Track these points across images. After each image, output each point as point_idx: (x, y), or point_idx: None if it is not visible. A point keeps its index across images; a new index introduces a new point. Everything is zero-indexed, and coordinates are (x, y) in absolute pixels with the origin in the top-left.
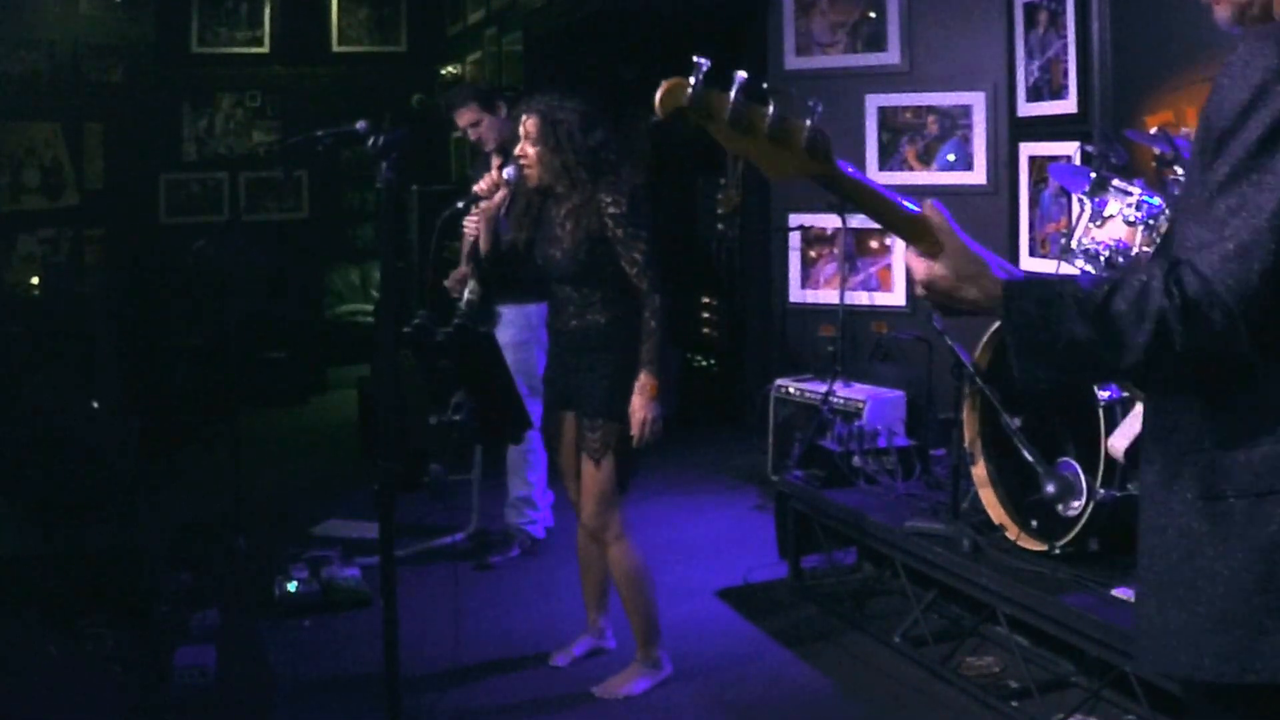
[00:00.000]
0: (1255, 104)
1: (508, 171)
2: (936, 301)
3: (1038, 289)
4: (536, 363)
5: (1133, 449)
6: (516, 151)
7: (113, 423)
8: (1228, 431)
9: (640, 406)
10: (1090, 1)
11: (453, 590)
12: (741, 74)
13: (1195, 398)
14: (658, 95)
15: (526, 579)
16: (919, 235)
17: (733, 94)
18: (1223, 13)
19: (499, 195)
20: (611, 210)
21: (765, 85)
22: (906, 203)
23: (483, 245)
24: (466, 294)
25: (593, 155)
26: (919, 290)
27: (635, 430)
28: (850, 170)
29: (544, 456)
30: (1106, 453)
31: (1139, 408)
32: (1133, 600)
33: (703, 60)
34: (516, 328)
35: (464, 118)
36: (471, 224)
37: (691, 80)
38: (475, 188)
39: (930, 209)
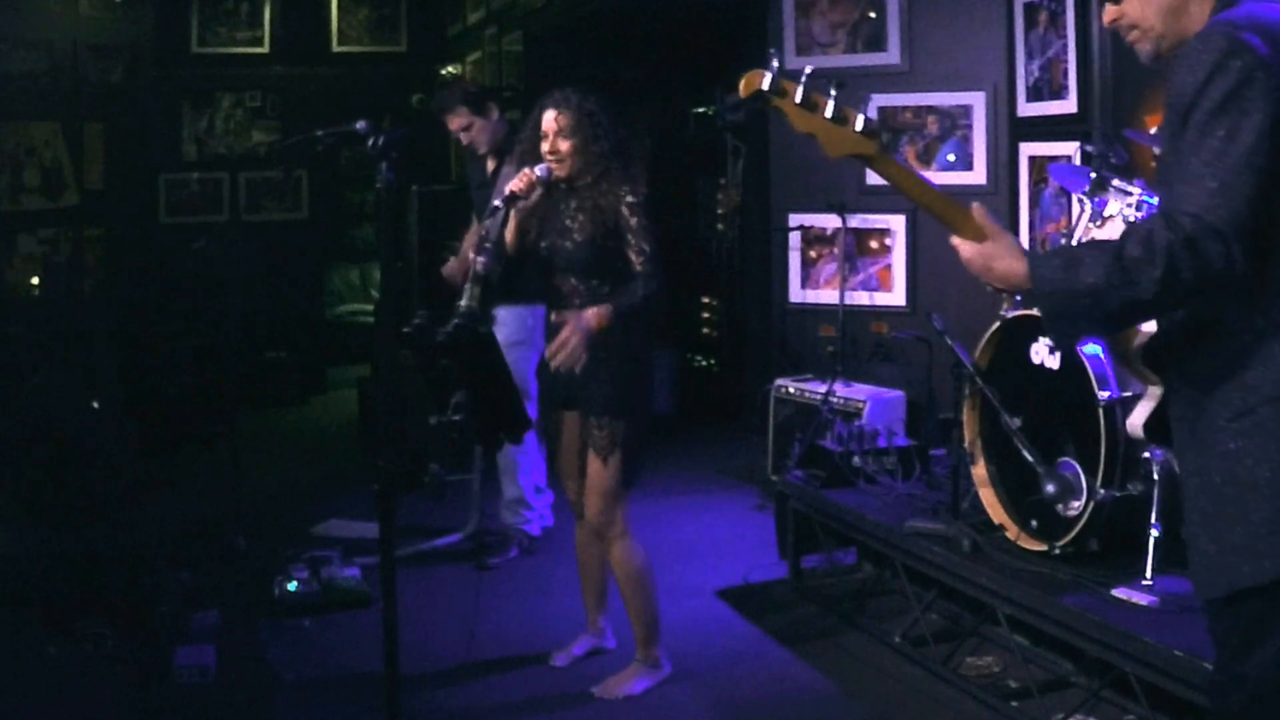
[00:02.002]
0: (1212, 77)
1: (539, 170)
2: (975, 273)
3: (1059, 252)
4: (529, 365)
5: (1151, 421)
6: (546, 148)
7: (113, 423)
8: (1246, 356)
9: (571, 327)
10: (1090, 1)
11: (453, 590)
12: (809, 67)
13: (1214, 338)
14: (743, 82)
15: (526, 579)
16: (960, 221)
17: (802, 80)
18: (1146, 48)
19: (536, 195)
20: (630, 199)
21: (828, 78)
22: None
23: (510, 243)
24: (466, 298)
25: (624, 145)
26: (964, 265)
27: (555, 346)
28: (897, 155)
29: (536, 457)
30: (1106, 453)
31: (1152, 390)
32: (1187, 542)
33: (774, 51)
34: (510, 329)
35: (455, 122)
36: (522, 183)
37: (771, 68)
38: (512, 186)
39: (977, 206)
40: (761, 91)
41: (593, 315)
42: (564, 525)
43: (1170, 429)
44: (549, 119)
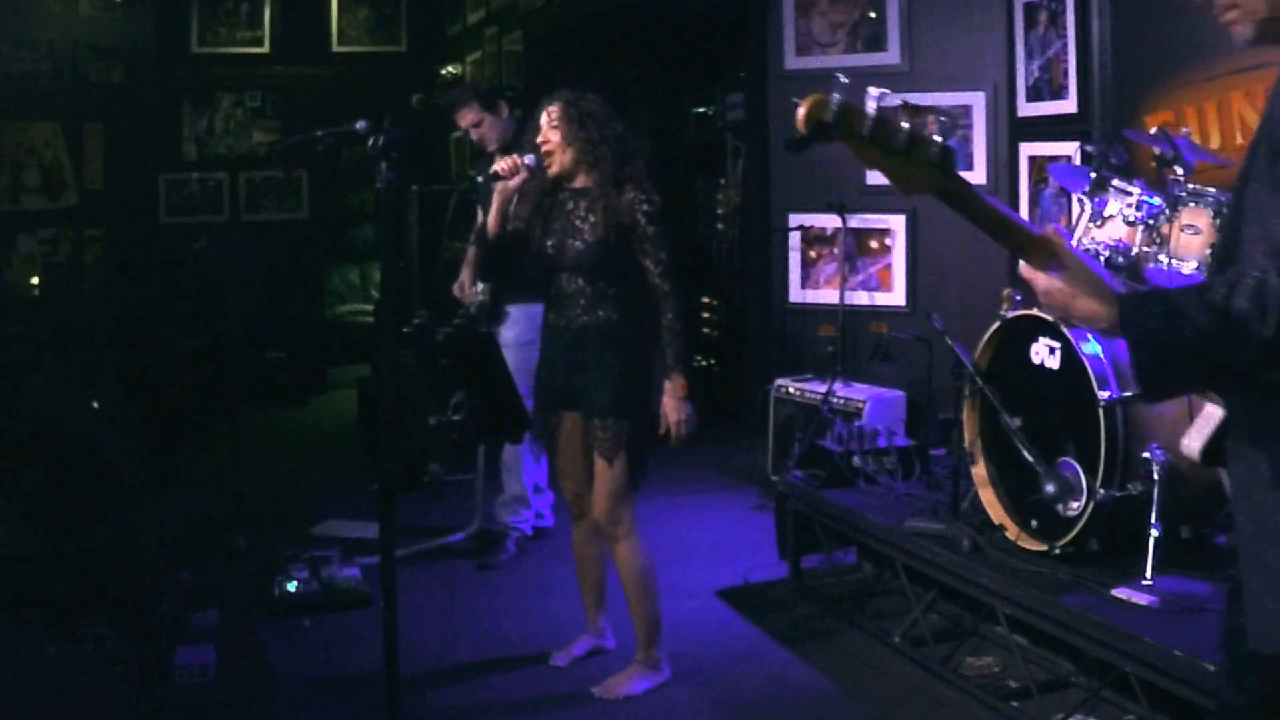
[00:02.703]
0: None
1: (529, 158)
2: (1055, 312)
3: (1156, 299)
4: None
5: (1209, 448)
6: (540, 139)
7: (113, 423)
8: None
9: (674, 409)
10: (1090, 1)
11: (453, 590)
12: (877, 91)
13: None
14: (801, 110)
15: (526, 579)
16: (1040, 254)
17: (870, 109)
18: (1244, 30)
19: (518, 178)
20: (645, 208)
21: (901, 101)
22: (1028, 225)
23: (491, 225)
24: (478, 295)
25: (618, 141)
26: (1041, 299)
27: (672, 430)
28: (974, 189)
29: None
30: (1106, 453)
31: (1208, 409)
32: (1240, 593)
33: (842, 76)
34: (522, 327)
35: (465, 118)
36: (506, 164)
37: (834, 96)
38: (496, 166)
39: (1052, 232)
40: (825, 125)
41: (677, 389)
42: (564, 525)
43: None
44: (545, 112)
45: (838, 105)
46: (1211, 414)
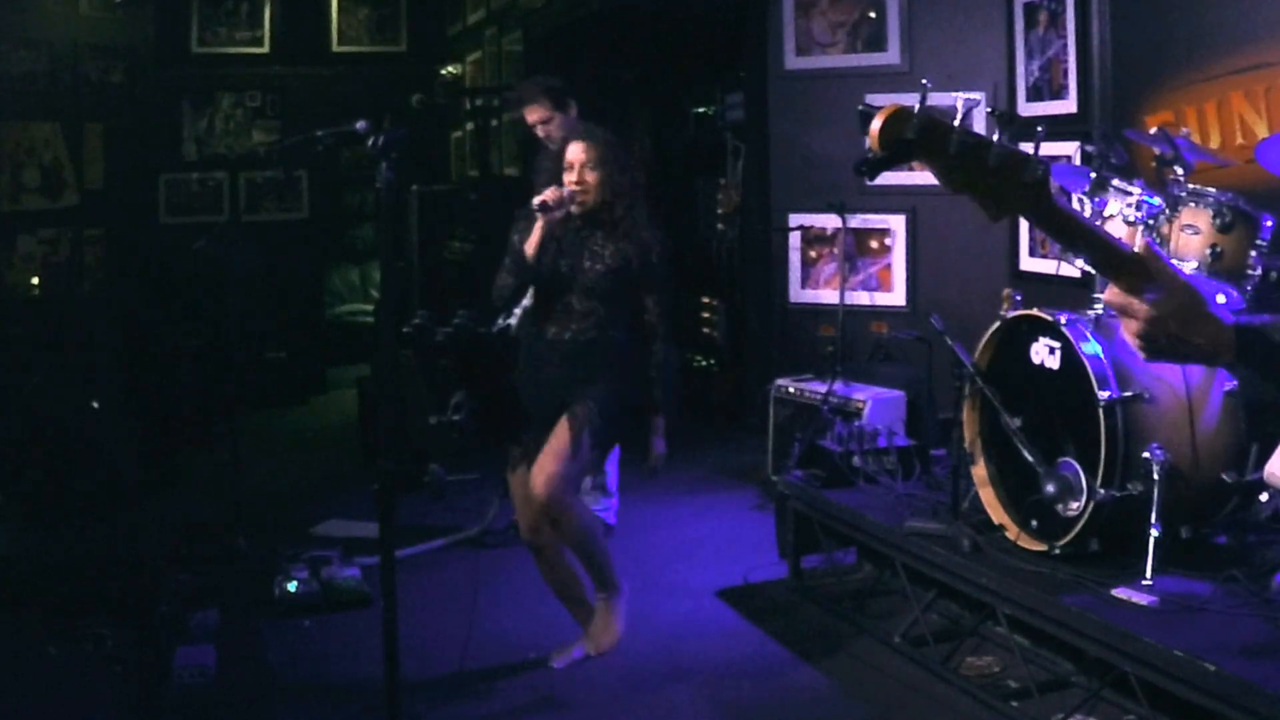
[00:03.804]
0: None
1: (568, 190)
2: (1155, 344)
3: (1274, 330)
4: None
5: None
6: (573, 179)
7: (113, 423)
8: None
9: (661, 444)
10: (1090, 1)
11: (453, 590)
12: (964, 97)
13: None
14: (876, 125)
15: (526, 579)
16: (1135, 277)
17: (957, 125)
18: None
19: (560, 212)
20: (658, 249)
21: (992, 109)
22: (1120, 243)
23: (530, 252)
24: (518, 311)
25: (631, 176)
26: (1138, 338)
27: (658, 463)
28: (1067, 206)
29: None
30: (1106, 453)
31: None
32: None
33: (927, 81)
34: None
35: (535, 114)
36: (553, 194)
37: (916, 108)
38: (545, 196)
39: (1146, 250)
40: (907, 143)
41: (660, 426)
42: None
43: None
44: (575, 150)
45: (921, 119)
46: None
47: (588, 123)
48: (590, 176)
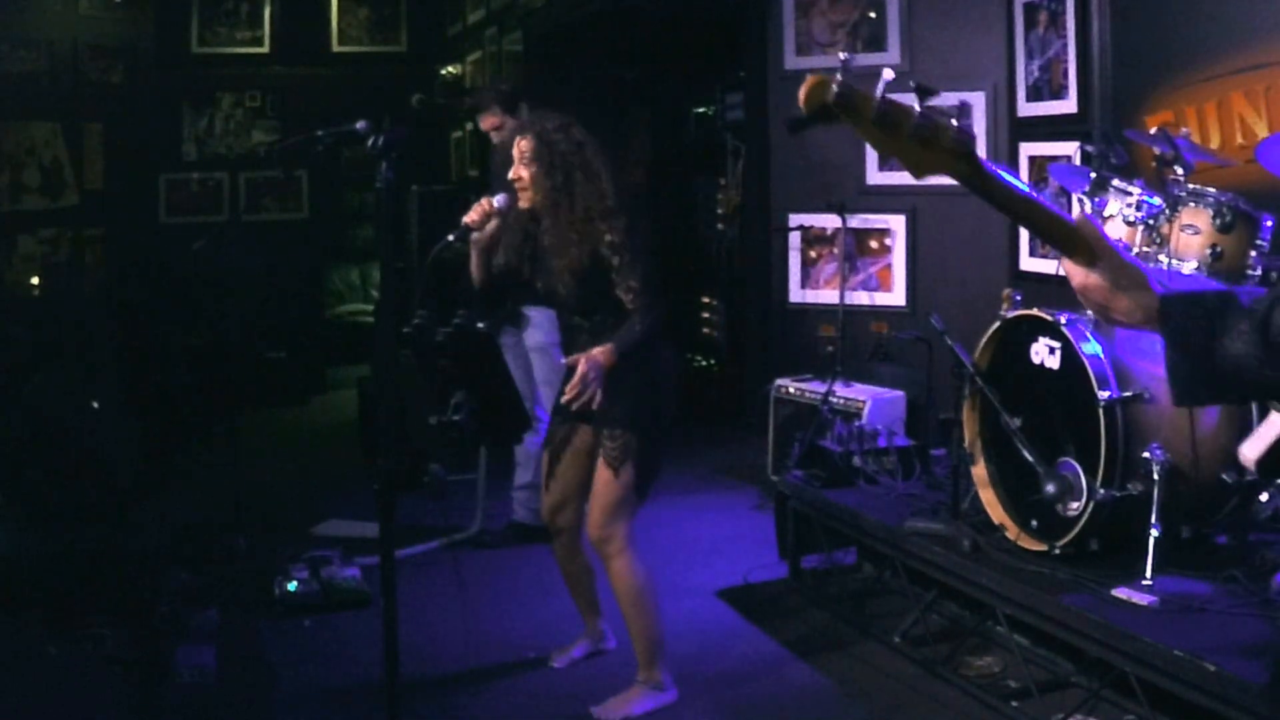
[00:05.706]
0: None
1: (499, 200)
2: (1092, 308)
3: (1196, 305)
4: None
5: (1265, 459)
6: (511, 175)
7: (113, 423)
8: None
9: (584, 361)
10: (1090, 1)
11: (453, 590)
12: (888, 72)
13: None
14: (802, 91)
15: (526, 579)
16: (1071, 243)
17: (878, 91)
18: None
19: (491, 225)
20: (609, 238)
21: (914, 83)
22: (1062, 213)
23: (475, 275)
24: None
25: (582, 169)
26: (1078, 294)
27: (576, 379)
28: (995, 170)
29: None
30: (1106, 453)
31: (1274, 417)
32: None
33: (849, 55)
34: (544, 330)
35: (487, 121)
36: (475, 214)
37: (837, 77)
38: (466, 219)
39: (1084, 222)
40: (828, 107)
41: (600, 354)
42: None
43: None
44: (517, 144)
45: (840, 87)
46: (1274, 422)
47: (535, 113)
48: (524, 172)
